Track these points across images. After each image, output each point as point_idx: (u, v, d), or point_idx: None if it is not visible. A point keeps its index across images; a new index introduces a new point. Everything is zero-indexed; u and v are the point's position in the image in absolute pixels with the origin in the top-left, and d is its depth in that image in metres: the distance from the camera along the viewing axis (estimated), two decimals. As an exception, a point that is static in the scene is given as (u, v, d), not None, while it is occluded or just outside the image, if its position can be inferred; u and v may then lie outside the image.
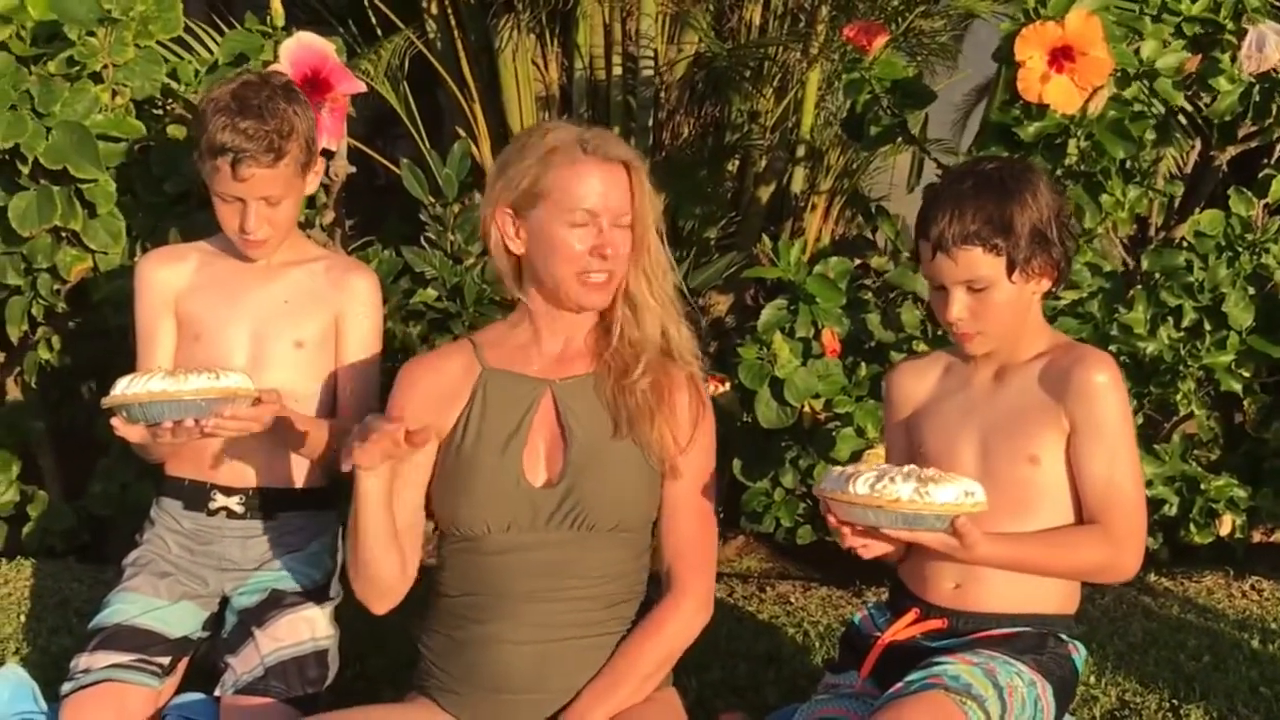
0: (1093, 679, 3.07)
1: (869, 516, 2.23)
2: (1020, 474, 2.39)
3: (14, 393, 3.73)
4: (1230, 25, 3.75)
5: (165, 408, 2.44)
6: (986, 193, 2.39)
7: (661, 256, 2.45)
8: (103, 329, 3.51)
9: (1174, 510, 3.77)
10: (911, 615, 2.47)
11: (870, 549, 2.32)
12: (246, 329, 2.77)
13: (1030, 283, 2.41)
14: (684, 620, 2.43)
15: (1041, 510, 2.41)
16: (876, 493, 2.20)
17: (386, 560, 2.39)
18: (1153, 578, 3.72)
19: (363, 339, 2.81)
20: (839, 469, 2.30)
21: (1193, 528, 3.78)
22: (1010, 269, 2.37)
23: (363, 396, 2.80)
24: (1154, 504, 3.68)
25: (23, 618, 3.27)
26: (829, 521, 2.31)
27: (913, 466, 2.27)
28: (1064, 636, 2.45)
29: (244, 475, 2.76)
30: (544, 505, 2.37)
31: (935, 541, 2.27)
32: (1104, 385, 2.38)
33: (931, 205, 2.44)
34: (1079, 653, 2.49)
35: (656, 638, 2.40)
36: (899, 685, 2.32)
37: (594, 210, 2.38)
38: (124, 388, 2.45)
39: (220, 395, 2.45)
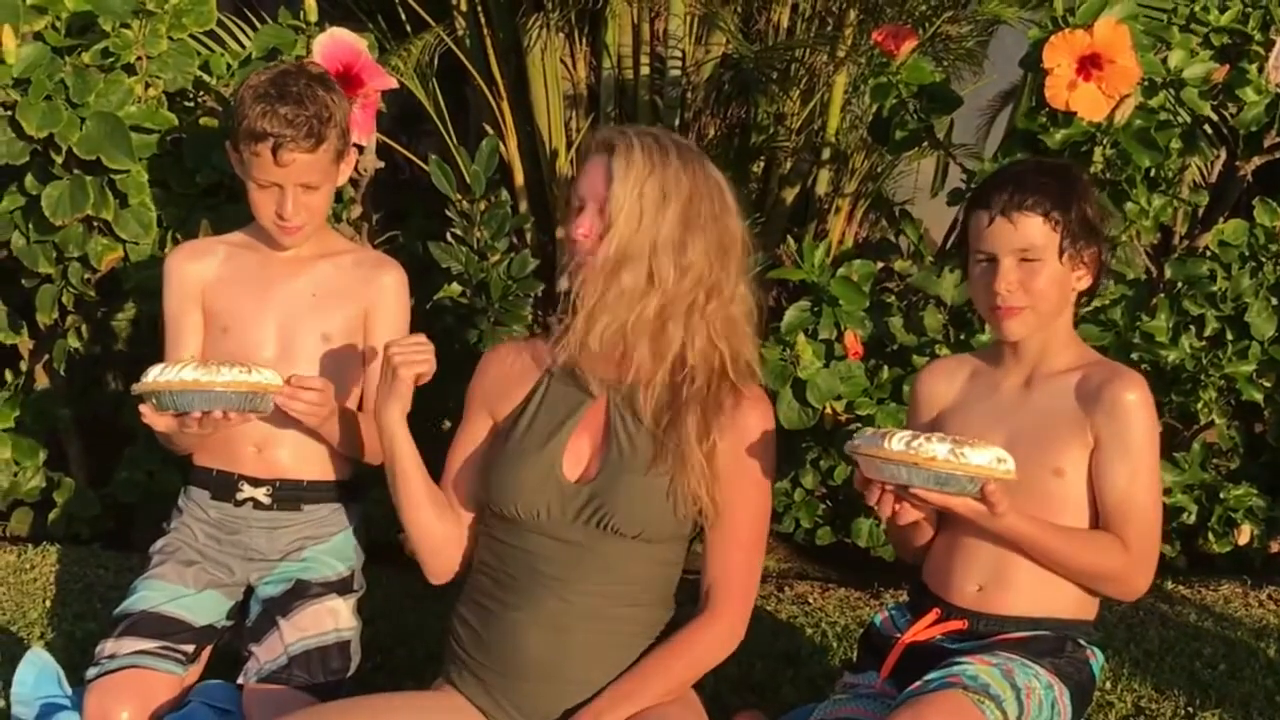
0: (1109, 685, 3.09)
1: (901, 474, 2.25)
2: (1045, 485, 2.41)
3: (42, 380, 3.77)
4: (1258, 36, 3.75)
5: (195, 397, 2.46)
6: (1049, 174, 2.49)
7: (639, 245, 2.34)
8: (132, 318, 3.54)
9: (1192, 518, 3.78)
10: (932, 615, 2.49)
11: (901, 514, 2.33)
12: (274, 322, 2.80)
13: (1075, 271, 2.45)
14: (715, 641, 2.45)
15: (1062, 521, 2.42)
16: (912, 450, 2.22)
17: (432, 519, 2.49)
18: (1170, 585, 3.73)
19: (392, 333, 2.80)
20: (872, 429, 2.33)
21: (1211, 536, 3.79)
22: (1062, 248, 2.42)
23: None
24: (1173, 512, 3.70)
25: (48, 603, 3.31)
26: (857, 481, 2.34)
27: (938, 434, 2.29)
28: (1082, 641, 2.47)
29: (271, 466, 2.78)
30: (572, 500, 2.40)
31: (963, 506, 2.30)
32: (1135, 404, 2.40)
33: (991, 182, 2.51)
34: (1097, 658, 2.50)
35: (686, 655, 2.42)
36: (917, 684, 2.33)
37: (582, 196, 2.40)
38: (156, 375, 2.48)
39: (251, 389, 2.48)
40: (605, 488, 2.39)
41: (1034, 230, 2.42)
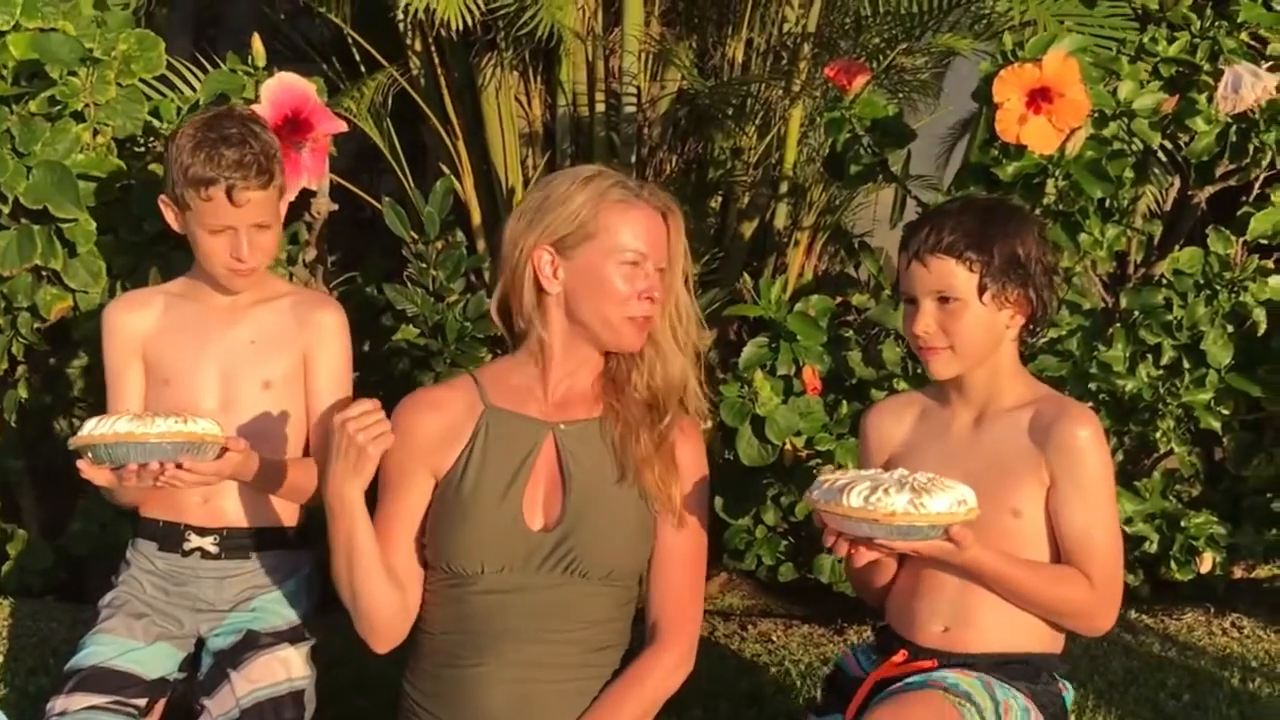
0: (1073, 718, 3.07)
1: (863, 529, 2.23)
2: (1003, 525, 2.39)
3: (-7, 431, 3.73)
4: (1206, 66, 3.79)
5: (131, 449, 2.42)
6: (970, 213, 2.45)
7: (689, 305, 2.49)
8: (84, 368, 3.51)
9: (1154, 547, 3.77)
10: (900, 656, 2.47)
11: (857, 556, 2.31)
12: (215, 372, 2.77)
13: (1003, 311, 2.42)
14: (665, 672, 2.44)
15: None
16: (871, 506, 2.20)
17: (386, 592, 2.42)
18: (1133, 615, 3.72)
19: (332, 375, 2.80)
20: (829, 477, 2.30)
21: (1173, 564, 3.78)
22: (982, 289, 2.39)
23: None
24: (1134, 541, 3.69)
25: (0, 658, 3.26)
26: (816, 521, 2.33)
27: (903, 472, 2.26)
28: (1055, 675, 2.46)
29: (218, 515, 2.75)
30: (539, 549, 2.38)
31: (928, 548, 2.28)
32: (1087, 440, 2.40)
33: (916, 222, 2.51)
34: (1068, 691, 2.50)
35: (638, 689, 2.41)
36: (897, 685, 2.33)
37: (643, 253, 2.42)
38: (90, 429, 2.45)
39: (186, 439, 2.44)
40: (573, 531, 2.38)
41: (948, 273, 2.40)
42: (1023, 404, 2.47)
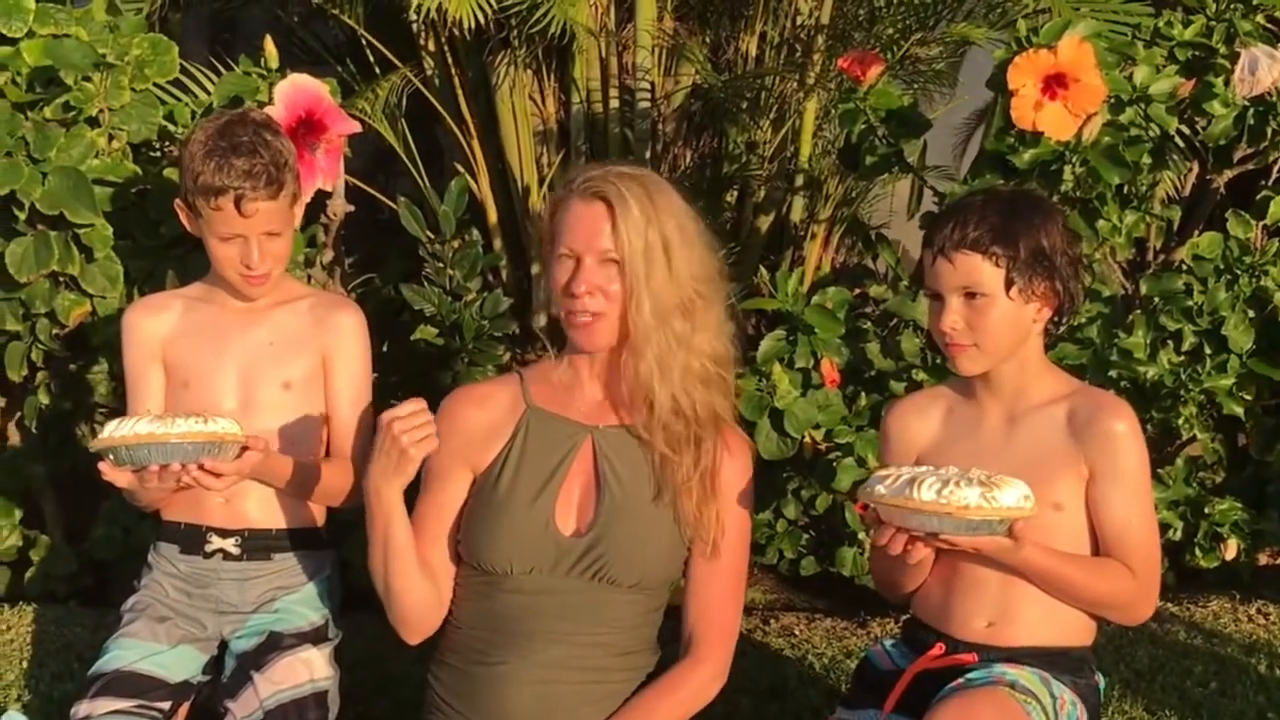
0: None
1: (932, 523, 2.20)
2: (1044, 520, 2.36)
3: (14, 437, 3.74)
4: (1223, 49, 3.76)
5: (151, 450, 2.43)
6: (994, 206, 2.42)
7: (671, 299, 2.36)
8: (102, 373, 3.52)
9: (1179, 535, 3.76)
10: (937, 650, 2.45)
11: (912, 553, 2.28)
12: (234, 373, 2.77)
13: (1029, 305, 2.39)
14: (700, 685, 2.43)
15: None
16: (945, 499, 2.17)
17: (420, 586, 2.42)
18: (1159, 603, 3.69)
19: (352, 376, 2.81)
20: (888, 473, 2.28)
21: (1198, 552, 3.77)
22: (1009, 283, 2.37)
23: (354, 434, 2.80)
24: (1159, 529, 3.66)
25: (25, 664, 3.27)
26: (867, 520, 2.31)
27: (955, 469, 2.25)
28: (1092, 666, 2.46)
29: (240, 517, 2.76)
30: (568, 553, 2.37)
31: (990, 545, 2.26)
32: (1124, 432, 2.39)
33: (939, 216, 2.49)
34: (1101, 682, 2.51)
35: (671, 699, 2.40)
36: (959, 681, 2.32)
37: (572, 247, 2.37)
38: (111, 430, 2.46)
39: (207, 439, 2.45)
40: (603, 538, 2.36)
41: (974, 268, 2.37)
42: (1056, 398, 2.45)
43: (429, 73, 4.84)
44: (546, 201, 2.45)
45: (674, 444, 2.39)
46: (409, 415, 2.29)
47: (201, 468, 2.48)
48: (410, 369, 3.69)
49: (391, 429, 2.28)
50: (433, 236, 3.68)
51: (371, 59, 4.86)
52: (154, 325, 2.82)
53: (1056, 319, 2.46)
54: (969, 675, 2.33)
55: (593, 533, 2.37)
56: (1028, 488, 2.25)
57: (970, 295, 2.38)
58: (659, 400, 2.37)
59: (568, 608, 2.38)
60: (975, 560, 2.38)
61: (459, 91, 4.81)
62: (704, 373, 2.41)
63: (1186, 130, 3.91)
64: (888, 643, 2.60)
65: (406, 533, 2.38)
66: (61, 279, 3.40)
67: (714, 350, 2.43)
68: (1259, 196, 3.88)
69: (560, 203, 2.40)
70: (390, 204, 4.52)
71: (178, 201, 2.76)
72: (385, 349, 3.70)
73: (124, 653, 2.68)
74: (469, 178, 4.56)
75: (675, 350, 2.37)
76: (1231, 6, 3.84)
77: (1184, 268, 3.79)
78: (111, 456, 2.48)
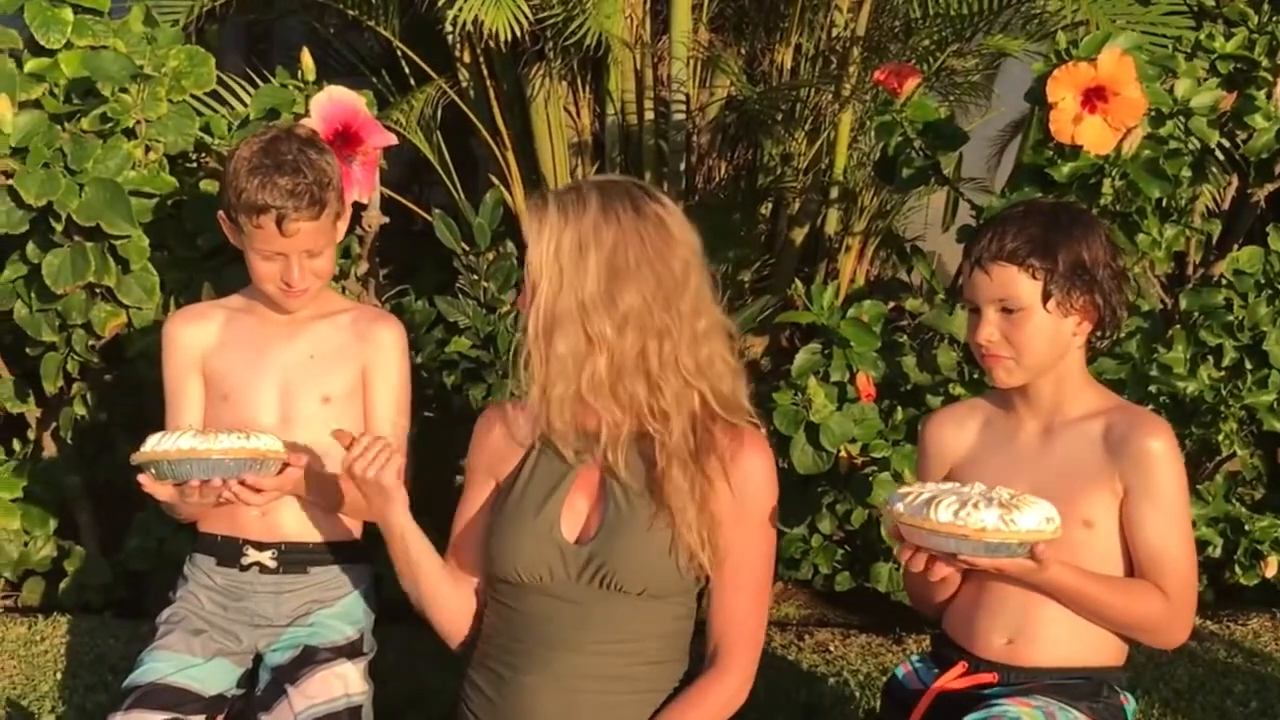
0: (1138, 727, 3.03)
1: (949, 544, 2.17)
2: (1074, 536, 2.33)
3: (50, 448, 3.75)
4: (1265, 62, 3.72)
5: (193, 466, 2.44)
6: (1035, 218, 2.39)
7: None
8: (137, 384, 3.52)
9: (1218, 552, 3.72)
10: (960, 668, 2.42)
11: (934, 570, 2.25)
12: (274, 386, 2.77)
13: (1069, 319, 2.36)
14: (727, 695, 2.39)
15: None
16: (961, 521, 2.15)
17: (452, 597, 2.46)
18: (1198, 621, 3.64)
19: (391, 390, 2.81)
20: (910, 490, 2.25)
21: (1238, 569, 3.73)
22: (1046, 296, 2.34)
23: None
24: (1199, 546, 3.62)
25: (59, 675, 3.27)
26: (889, 534, 2.28)
27: (983, 488, 2.22)
28: (1116, 688, 2.42)
29: (276, 530, 2.75)
30: (574, 560, 2.35)
31: (1011, 566, 2.23)
32: (1161, 451, 2.34)
33: (980, 228, 2.48)
34: (1130, 703, 2.45)
35: (697, 710, 2.36)
36: None
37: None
38: (153, 445, 2.46)
39: (249, 456, 2.45)
40: (605, 546, 2.34)
41: (1011, 281, 2.35)
42: (1093, 413, 2.41)
43: (464, 84, 4.84)
44: None
45: (677, 452, 2.33)
46: (359, 455, 2.37)
47: (243, 483, 2.48)
48: (442, 381, 3.69)
49: (354, 473, 2.37)
50: (467, 248, 3.68)
51: (407, 70, 4.88)
52: (194, 336, 2.82)
53: (1099, 333, 2.43)
54: (968, 717, 2.29)
55: (596, 540, 2.35)
56: (1052, 509, 2.21)
57: (1007, 309, 2.36)
58: (657, 410, 2.32)
59: (583, 616, 2.36)
60: (1000, 579, 2.35)
61: (494, 103, 4.81)
62: (692, 369, 2.32)
63: (1227, 144, 3.88)
64: (915, 659, 2.57)
65: (425, 552, 2.43)
66: (98, 290, 3.41)
67: (696, 355, 2.33)
68: (1301, 210, 3.85)
69: None
70: (425, 216, 4.52)
71: (221, 213, 2.76)
72: (418, 361, 3.70)
73: (159, 665, 2.67)
74: (504, 189, 4.57)
75: (650, 360, 2.30)
76: (1274, 19, 3.80)
77: (1224, 282, 3.76)
78: (153, 470, 2.48)
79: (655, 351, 2.29)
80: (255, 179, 2.64)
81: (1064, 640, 2.38)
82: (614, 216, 2.28)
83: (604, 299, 2.25)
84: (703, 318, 2.33)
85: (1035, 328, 2.36)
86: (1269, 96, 3.66)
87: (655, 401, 2.31)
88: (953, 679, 2.42)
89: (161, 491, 2.52)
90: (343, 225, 2.83)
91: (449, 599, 2.47)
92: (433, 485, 3.36)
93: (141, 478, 2.51)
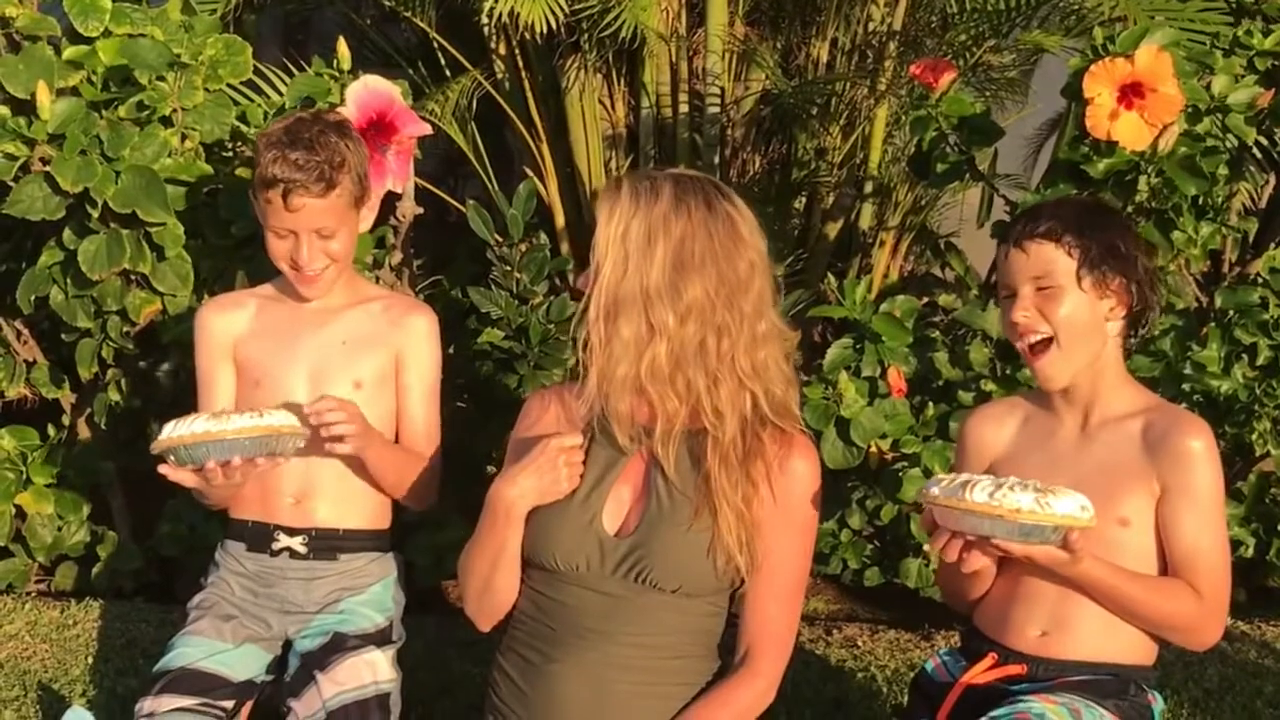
0: (1167, 726, 3.02)
1: (983, 526, 2.17)
2: (1109, 535, 2.33)
3: (84, 434, 3.78)
4: (1304, 59, 3.70)
5: (210, 448, 2.45)
6: (1068, 205, 2.44)
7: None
8: (171, 371, 3.55)
9: (1250, 552, 3.70)
10: (989, 660, 2.43)
11: (968, 561, 2.25)
12: (305, 372, 2.78)
13: (1103, 301, 2.38)
14: (753, 697, 2.38)
15: None
16: (996, 501, 2.15)
17: (514, 584, 2.43)
18: (1229, 622, 3.64)
19: (422, 377, 2.82)
20: (946, 476, 2.25)
21: (1270, 570, 3.70)
22: (1081, 274, 2.35)
23: (423, 435, 2.82)
24: (1231, 546, 3.60)
25: (90, 659, 3.30)
26: (923, 524, 2.28)
27: (1015, 479, 2.21)
28: (1144, 686, 2.41)
29: (308, 516, 2.77)
30: (612, 553, 2.35)
31: (1043, 555, 2.23)
32: (1200, 451, 2.34)
33: (1014, 218, 2.50)
34: (1158, 702, 2.45)
35: (725, 710, 2.36)
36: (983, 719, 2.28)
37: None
38: (169, 432, 2.47)
39: (264, 433, 2.47)
40: (644, 542, 2.34)
41: (1047, 257, 2.37)
42: (1133, 412, 2.41)
43: (499, 76, 4.85)
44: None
45: (727, 453, 2.34)
46: (573, 448, 2.34)
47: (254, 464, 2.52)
48: (474, 372, 3.70)
49: (558, 457, 2.33)
50: (501, 239, 3.69)
51: (442, 62, 4.88)
52: (227, 323, 2.84)
53: (1133, 328, 2.44)
54: (992, 714, 2.28)
55: (635, 535, 2.35)
56: (1087, 500, 2.21)
57: (1043, 286, 2.37)
58: (712, 406, 2.32)
59: (616, 608, 2.36)
60: (1036, 572, 2.35)
61: (529, 95, 4.82)
62: (748, 370, 2.33)
63: (1264, 141, 3.85)
64: (944, 653, 2.57)
65: (519, 543, 2.40)
66: (133, 277, 3.43)
67: (753, 357, 2.34)
68: (1338, 209, 3.82)
69: None
70: (459, 206, 4.53)
71: (250, 191, 2.78)
72: (451, 351, 3.71)
73: (189, 650, 2.69)
74: (537, 181, 4.57)
75: (709, 355, 2.30)
76: (1313, 16, 3.78)
77: (1260, 280, 3.73)
78: (172, 457, 2.50)
79: (714, 348, 2.29)
80: (270, 153, 2.67)
81: (1097, 636, 2.38)
82: (685, 209, 2.29)
83: (669, 289, 2.27)
84: (763, 321, 2.33)
85: (1071, 305, 2.37)
86: (1307, 94, 3.63)
87: (711, 397, 2.31)
88: (981, 671, 2.42)
89: (186, 478, 2.54)
90: (368, 213, 2.83)
91: (512, 587, 2.43)
92: (463, 473, 3.37)
93: (163, 467, 2.53)
